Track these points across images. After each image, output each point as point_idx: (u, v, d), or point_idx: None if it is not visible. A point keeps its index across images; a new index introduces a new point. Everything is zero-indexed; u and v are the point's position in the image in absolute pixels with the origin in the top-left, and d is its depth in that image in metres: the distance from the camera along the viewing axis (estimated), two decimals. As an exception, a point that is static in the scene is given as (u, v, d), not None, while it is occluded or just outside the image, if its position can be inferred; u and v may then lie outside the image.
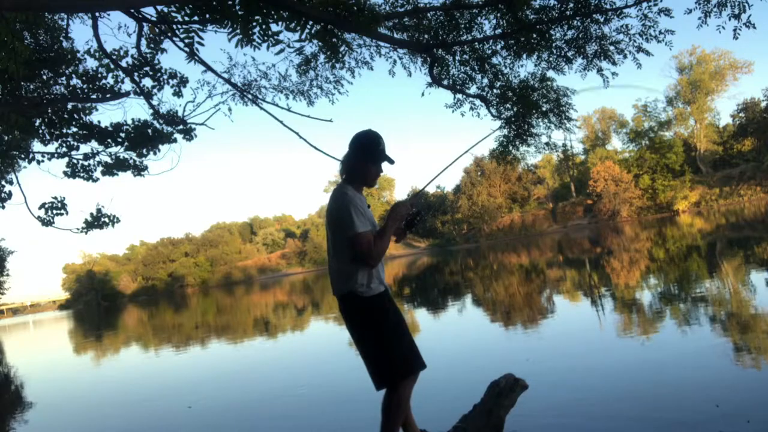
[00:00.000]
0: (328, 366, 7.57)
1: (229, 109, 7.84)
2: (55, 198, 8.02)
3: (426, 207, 71.52)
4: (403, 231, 3.29)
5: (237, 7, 4.38)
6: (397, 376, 3.02)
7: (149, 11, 5.99)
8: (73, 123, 7.61)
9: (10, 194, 8.40)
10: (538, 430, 3.90)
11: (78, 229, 8.11)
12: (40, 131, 7.49)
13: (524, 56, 7.35)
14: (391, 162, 3.12)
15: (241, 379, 7.60)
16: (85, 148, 7.99)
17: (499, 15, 7.00)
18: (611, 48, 6.89)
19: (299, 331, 13.15)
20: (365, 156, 3.05)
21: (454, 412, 3.78)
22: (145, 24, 6.50)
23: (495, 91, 8.02)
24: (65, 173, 7.99)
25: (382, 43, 7.41)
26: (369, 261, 2.88)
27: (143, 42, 7.04)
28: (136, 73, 7.37)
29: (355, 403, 5.48)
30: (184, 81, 7.61)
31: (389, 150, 3.22)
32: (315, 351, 9.46)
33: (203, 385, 7.58)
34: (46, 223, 8.01)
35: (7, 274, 37.26)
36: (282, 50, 5.25)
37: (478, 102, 8.13)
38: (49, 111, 7.34)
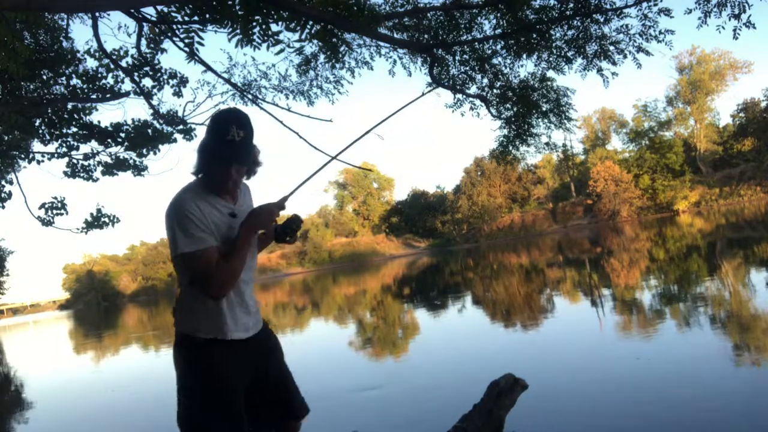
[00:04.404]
0: (344, 369, 7.56)
1: (229, 109, 7.83)
2: (55, 198, 8.03)
3: (425, 207, 71.39)
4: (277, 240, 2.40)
5: (237, 7, 4.38)
6: None
7: (149, 11, 5.99)
8: (73, 123, 7.61)
9: (10, 194, 8.41)
10: (538, 430, 3.90)
11: (78, 229, 8.12)
12: (40, 131, 7.49)
13: (524, 56, 7.34)
14: (247, 163, 2.15)
15: None
16: (85, 148, 8.00)
17: (499, 15, 6.99)
18: (611, 48, 6.89)
19: (309, 332, 13.15)
20: (206, 148, 2.09)
21: (454, 412, 3.78)
22: (145, 24, 6.50)
23: (495, 91, 8.02)
24: (65, 173, 8.00)
25: (382, 43, 7.40)
26: (209, 289, 2.02)
27: (143, 42, 7.04)
28: (136, 73, 7.36)
29: (373, 409, 5.48)
30: (184, 81, 7.61)
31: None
32: (327, 353, 9.44)
33: None
34: (46, 223, 8.01)
35: (7, 274, 37.24)
36: (282, 50, 5.24)
37: (478, 102, 8.13)
38: (49, 111, 7.34)
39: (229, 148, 2.03)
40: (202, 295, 2.06)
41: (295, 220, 2.33)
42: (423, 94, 3.11)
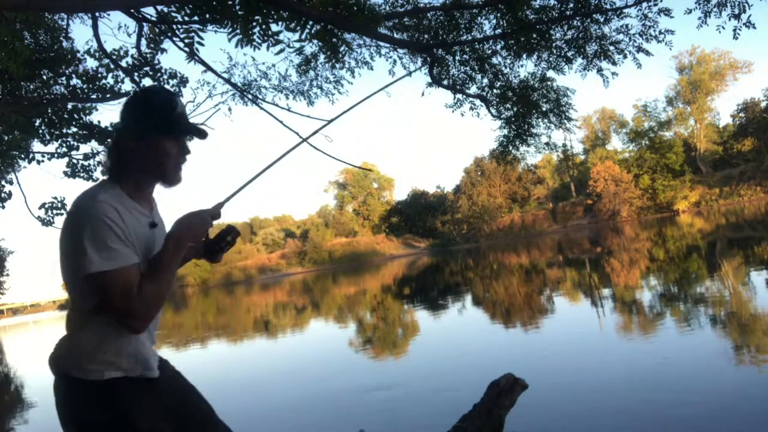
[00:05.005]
0: (346, 370, 7.54)
1: (229, 109, 7.85)
2: (55, 198, 8.03)
3: (425, 207, 71.30)
4: (207, 254, 1.96)
5: (237, 7, 4.38)
6: None
7: (149, 11, 5.99)
8: (73, 123, 7.60)
9: (10, 194, 8.41)
10: (538, 429, 3.90)
11: (78, 229, 8.10)
12: (40, 131, 7.49)
13: (524, 56, 7.35)
14: (202, 135, 1.78)
15: (262, 384, 7.44)
16: (85, 148, 7.99)
17: (499, 15, 7.00)
18: (611, 48, 6.90)
19: (311, 333, 13.14)
20: (156, 124, 1.69)
21: (454, 412, 3.78)
22: (145, 24, 6.50)
23: (495, 91, 8.03)
24: (65, 173, 8.00)
25: (382, 43, 7.40)
26: (130, 319, 1.57)
27: (143, 42, 7.04)
28: (136, 73, 7.36)
29: (383, 411, 5.48)
30: (184, 81, 7.61)
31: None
32: (329, 355, 9.41)
33: (222, 389, 7.35)
34: (46, 223, 8.01)
35: (7, 274, 37.27)
36: (282, 50, 5.25)
37: (478, 102, 8.14)
38: (49, 111, 7.34)
39: (182, 121, 1.73)
40: (114, 326, 1.59)
41: (230, 231, 1.92)
42: (396, 80, 2.86)
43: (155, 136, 1.69)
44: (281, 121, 6.56)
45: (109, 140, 1.75)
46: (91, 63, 7.51)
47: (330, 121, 2.31)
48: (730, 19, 6.09)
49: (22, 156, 8.08)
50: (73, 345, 1.66)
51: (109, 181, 1.69)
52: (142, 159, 1.69)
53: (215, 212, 1.80)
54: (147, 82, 7.52)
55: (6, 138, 7.48)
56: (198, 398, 1.92)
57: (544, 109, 7.86)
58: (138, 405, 1.63)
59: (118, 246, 1.55)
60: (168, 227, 1.73)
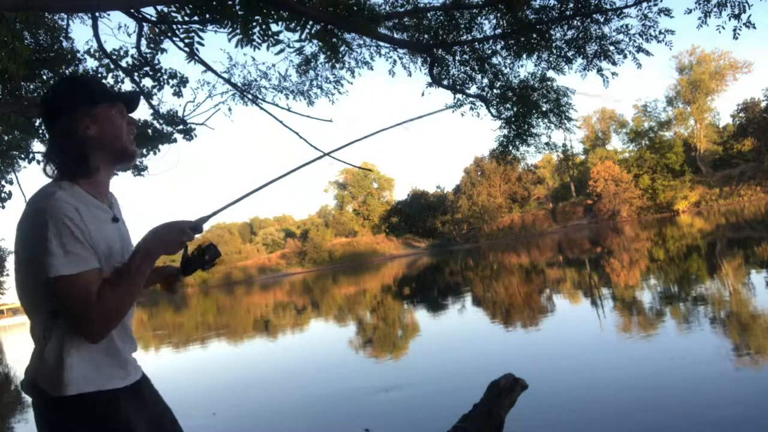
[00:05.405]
0: (353, 373, 7.53)
1: (229, 109, 7.87)
2: (55, 198, 8.02)
3: (425, 207, 71.31)
4: (177, 274, 1.87)
5: (237, 7, 4.38)
6: None
7: (149, 11, 5.99)
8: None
9: (10, 194, 8.39)
10: (539, 430, 3.90)
11: (78, 229, 8.08)
12: (40, 131, 7.49)
13: (524, 56, 7.35)
14: (135, 96, 1.83)
15: (264, 384, 7.44)
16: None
17: (498, 15, 7.01)
18: (611, 48, 6.90)
19: (317, 334, 13.14)
20: (99, 95, 1.66)
21: (454, 412, 3.78)
22: (145, 24, 6.51)
23: (495, 91, 8.02)
24: (65, 173, 7.99)
25: (382, 43, 7.40)
26: (86, 327, 1.46)
27: (143, 42, 7.04)
28: (136, 73, 7.36)
29: (389, 415, 5.48)
30: (184, 81, 7.60)
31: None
32: (335, 356, 9.39)
33: (223, 390, 7.38)
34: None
35: (7, 274, 37.14)
36: (282, 50, 5.25)
37: (478, 102, 8.14)
38: (50, 111, 7.33)
39: (111, 89, 1.75)
40: (70, 333, 1.47)
41: (208, 249, 1.75)
42: (436, 111, 2.56)
43: (103, 111, 1.63)
44: (281, 121, 6.58)
45: (48, 141, 1.66)
46: (91, 63, 7.51)
47: (354, 141, 2.04)
48: (730, 19, 6.09)
49: (22, 156, 8.07)
50: (42, 360, 1.50)
51: (64, 180, 1.56)
52: (99, 140, 1.62)
53: (197, 225, 1.65)
54: (147, 82, 7.52)
55: (6, 138, 7.47)
56: (171, 424, 1.76)
57: (544, 109, 7.85)
58: (118, 414, 1.52)
59: (78, 249, 1.44)
60: (129, 225, 1.69)
